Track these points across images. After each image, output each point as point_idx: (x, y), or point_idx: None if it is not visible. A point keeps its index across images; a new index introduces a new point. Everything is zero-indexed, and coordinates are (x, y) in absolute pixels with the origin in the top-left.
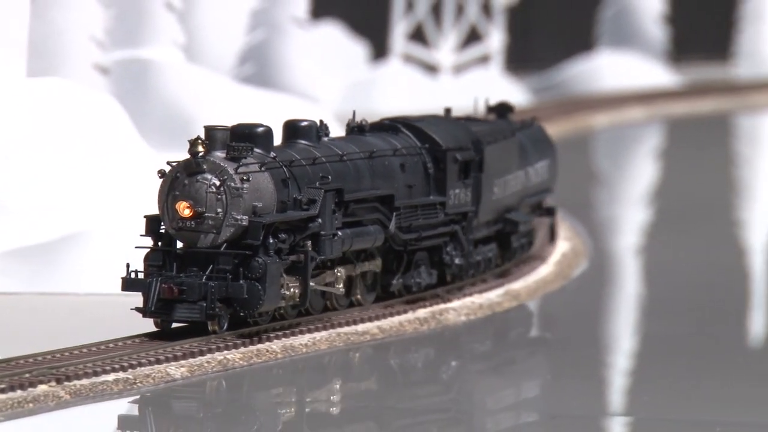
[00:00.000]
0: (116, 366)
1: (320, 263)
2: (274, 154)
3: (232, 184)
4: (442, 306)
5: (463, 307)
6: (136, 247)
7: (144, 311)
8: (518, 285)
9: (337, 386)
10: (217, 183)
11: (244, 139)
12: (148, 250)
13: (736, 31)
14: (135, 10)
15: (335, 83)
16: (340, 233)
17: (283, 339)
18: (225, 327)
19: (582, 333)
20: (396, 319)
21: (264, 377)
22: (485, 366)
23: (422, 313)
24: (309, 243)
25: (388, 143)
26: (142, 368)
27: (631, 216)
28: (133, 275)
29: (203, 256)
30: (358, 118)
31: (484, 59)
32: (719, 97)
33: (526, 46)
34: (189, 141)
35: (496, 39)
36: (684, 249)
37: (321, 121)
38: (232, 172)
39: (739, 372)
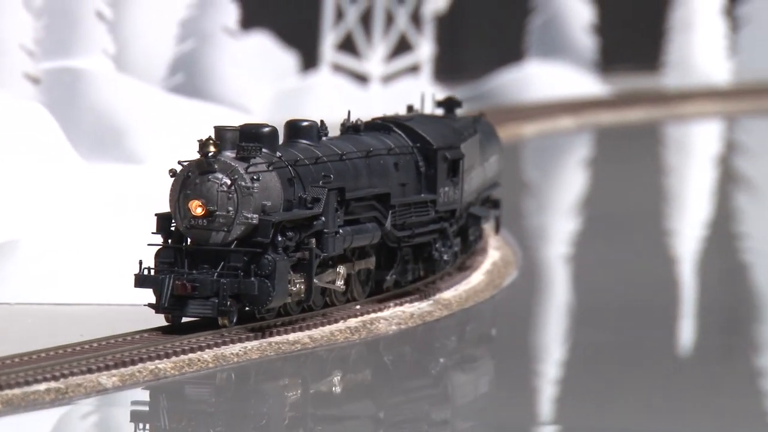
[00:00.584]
0: (48, 376)
1: (322, 260)
2: (280, 154)
3: (243, 184)
4: (373, 315)
5: (393, 316)
6: (148, 245)
7: (157, 307)
8: (449, 294)
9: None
10: (228, 182)
11: (252, 139)
12: (159, 247)
13: (665, 40)
14: (66, 19)
15: (265, 93)
16: (341, 231)
17: (215, 348)
18: (234, 322)
19: (512, 342)
20: (327, 328)
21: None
22: (420, 382)
23: (353, 322)
24: (313, 241)
25: (382, 142)
26: (74, 378)
27: (560, 225)
28: (145, 272)
29: (213, 253)
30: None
31: (413, 69)
32: (648, 107)
33: (456, 56)
34: (199, 141)
35: (425, 49)
36: (613, 258)
37: (321, 122)
38: (242, 171)
39: (668, 380)
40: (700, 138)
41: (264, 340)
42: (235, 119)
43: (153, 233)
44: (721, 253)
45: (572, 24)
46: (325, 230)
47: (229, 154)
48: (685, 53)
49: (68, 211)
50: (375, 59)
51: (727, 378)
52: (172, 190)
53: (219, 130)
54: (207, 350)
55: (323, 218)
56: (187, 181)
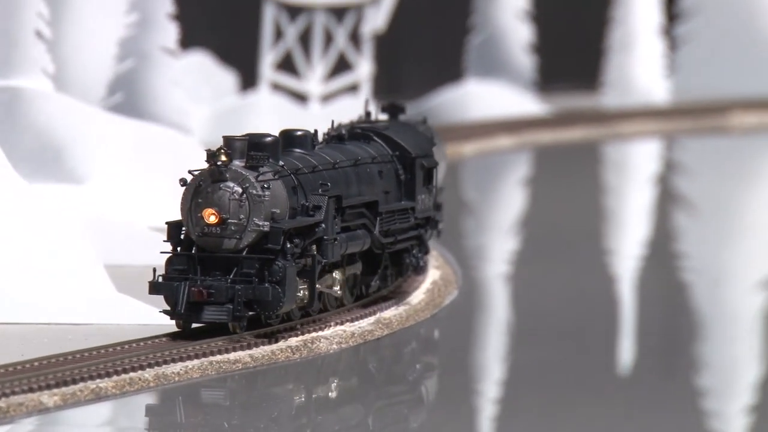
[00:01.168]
0: None
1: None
2: (282, 163)
3: (254, 192)
4: (314, 334)
5: (334, 335)
6: (161, 252)
7: (172, 313)
8: (390, 313)
9: None
10: (240, 190)
11: (258, 148)
12: (170, 254)
13: (603, 60)
14: (4, 38)
15: (205, 112)
16: (338, 238)
17: (156, 368)
18: (245, 327)
19: (452, 361)
20: (268, 348)
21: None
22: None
23: (294, 341)
24: (314, 247)
25: (366, 151)
26: (15, 397)
27: (500, 244)
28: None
29: (225, 260)
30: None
31: (353, 88)
32: (587, 126)
33: (395, 75)
34: (208, 151)
35: (364, 68)
36: (553, 277)
37: (315, 131)
38: (253, 180)
39: (607, 399)
40: (638, 157)
41: (205, 359)
42: (173, 139)
43: (164, 241)
44: (660, 272)
45: (511, 43)
46: (325, 237)
47: (238, 164)
48: (624, 73)
49: (8, 231)
50: (314, 78)
51: (666, 397)
52: (183, 199)
53: (229, 140)
54: (148, 369)
55: (323, 225)
56: (199, 189)
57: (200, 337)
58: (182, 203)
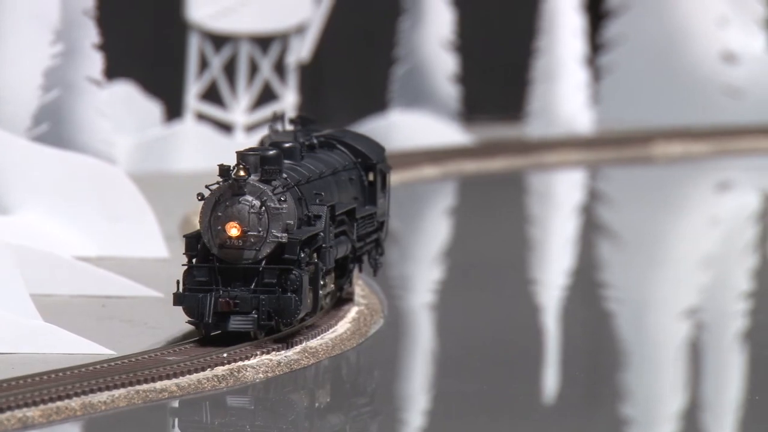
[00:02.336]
0: None
1: None
2: (285, 175)
3: (272, 205)
4: (240, 363)
5: (261, 364)
6: (183, 265)
7: (199, 324)
8: (315, 342)
9: None
10: (258, 204)
11: (270, 162)
12: (188, 267)
13: (527, 90)
14: None
15: (129, 142)
16: (332, 245)
17: (83, 396)
18: (263, 334)
19: (377, 390)
20: (194, 376)
21: None
22: None
23: (220, 370)
24: (315, 255)
25: (336, 159)
26: None
27: (424, 274)
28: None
29: (245, 271)
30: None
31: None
32: (511, 156)
33: (320, 105)
34: (221, 166)
35: (289, 98)
36: (478, 306)
37: (302, 143)
38: (270, 193)
39: (533, 428)
40: (563, 187)
41: (132, 388)
42: (99, 169)
43: (183, 254)
44: (585, 301)
45: (436, 73)
46: (323, 245)
47: (254, 178)
48: (548, 102)
49: None
50: (239, 108)
51: (591, 427)
52: (202, 213)
53: (244, 155)
54: (75, 398)
55: (322, 234)
56: (218, 203)
57: (221, 344)
58: (201, 217)
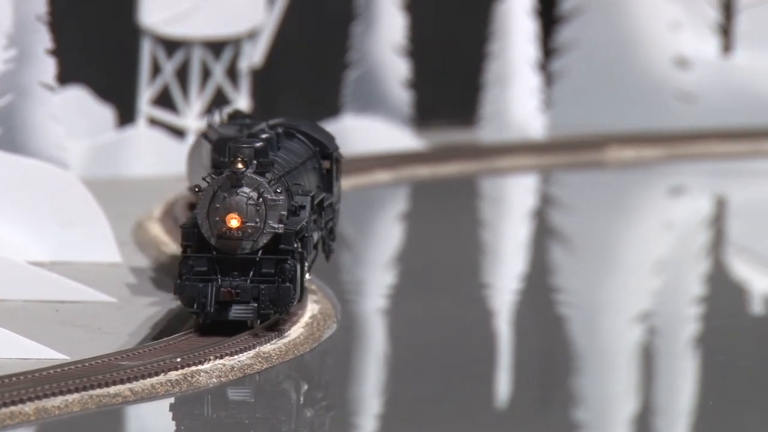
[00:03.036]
0: None
1: None
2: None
3: (269, 196)
4: (194, 368)
5: (214, 369)
6: (185, 256)
7: (200, 312)
8: (269, 347)
9: None
10: (256, 195)
11: (263, 155)
12: (185, 257)
13: (480, 94)
14: None
15: (82, 147)
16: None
17: (36, 401)
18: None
19: (331, 395)
20: (148, 381)
21: None
22: None
23: (174, 375)
24: (299, 244)
25: (300, 149)
26: None
27: (377, 279)
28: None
29: (242, 261)
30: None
31: None
32: (464, 161)
33: (272, 110)
34: (217, 159)
35: (242, 103)
36: (431, 311)
37: (278, 134)
38: (267, 185)
39: None
40: (515, 192)
41: (85, 392)
42: (52, 174)
43: (180, 244)
44: (538, 306)
45: (388, 78)
46: (306, 234)
47: (249, 170)
48: (501, 107)
49: None
50: (192, 113)
51: (545, 431)
52: (200, 204)
53: (240, 148)
54: (28, 403)
55: (305, 223)
56: (216, 195)
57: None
58: (199, 209)
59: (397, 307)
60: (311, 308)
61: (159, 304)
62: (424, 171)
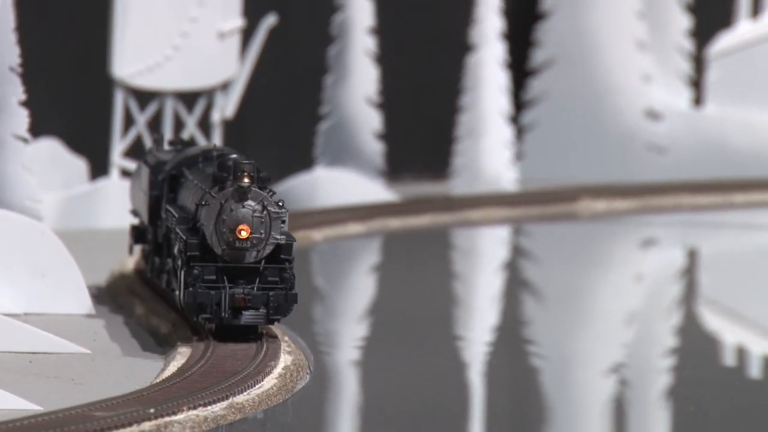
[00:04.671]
0: None
1: None
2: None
3: (273, 209)
4: (167, 419)
5: (187, 420)
6: (192, 265)
7: (214, 318)
8: (242, 398)
9: None
10: (260, 208)
11: (259, 170)
12: (192, 266)
13: (452, 147)
14: None
15: (55, 198)
16: None
17: None
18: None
19: None
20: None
21: None
22: None
23: (147, 426)
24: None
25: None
26: None
27: (350, 330)
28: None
29: (247, 270)
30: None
31: None
32: (436, 213)
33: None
34: (219, 175)
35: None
36: (403, 363)
37: (205, 157)
38: (270, 199)
39: None
40: (487, 244)
41: None
42: (23, 225)
43: (187, 255)
44: (509, 358)
45: (360, 130)
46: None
47: (254, 185)
48: (472, 159)
49: None
50: None
51: None
52: (207, 217)
53: (242, 164)
54: None
55: None
56: (223, 208)
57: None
58: (206, 221)
59: (369, 359)
60: (284, 359)
61: (132, 355)
62: (396, 223)
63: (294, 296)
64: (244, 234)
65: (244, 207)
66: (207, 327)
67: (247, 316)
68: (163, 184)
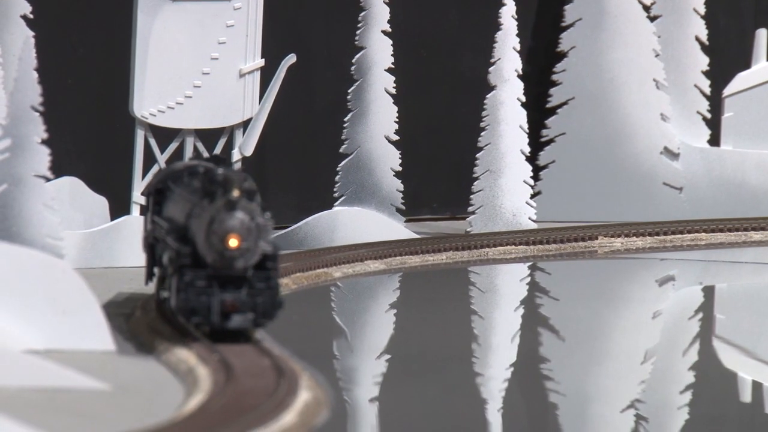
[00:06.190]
0: None
1: None
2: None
3: (260, 220)
4: None
5: None
6: (181, 273)
7: (206, 322)
8: None
9: None
10: (248, 219)
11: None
12: (184, 274)
13: (471, 185)
14: None
15: (76, 237)
16: None
17: None
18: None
19: None
20: None
21: None
22: None
23: None
24: None
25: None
26: None
27: (368, 367)
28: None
29: (235, 277)
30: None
31: None
32: (455, 250)
33: (264, 199)
34: (209, 188)
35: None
36: (422, 399)
37: (191, 172)
38: (258, 210)
39: None
40: (505, 281)
41: None
42: (47, 263)
43: (177, 263)
44: (528, 394)
45: (380, 168)
46: None
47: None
48: (491, 197)
49: None
50: None
51: None
52: (197, 227)
53: (232, 177)
54: None
55: None
56: (213, 219)
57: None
58: (197, 231)
59: (388, 395)
60: (303, 396)
61: (153, 391)
62: (415, 260)
63: (280, 302)
64: (233, 243)
65: (233, 218)
66: (201, 330)
67: (236, 320)
68: (149, 198)
